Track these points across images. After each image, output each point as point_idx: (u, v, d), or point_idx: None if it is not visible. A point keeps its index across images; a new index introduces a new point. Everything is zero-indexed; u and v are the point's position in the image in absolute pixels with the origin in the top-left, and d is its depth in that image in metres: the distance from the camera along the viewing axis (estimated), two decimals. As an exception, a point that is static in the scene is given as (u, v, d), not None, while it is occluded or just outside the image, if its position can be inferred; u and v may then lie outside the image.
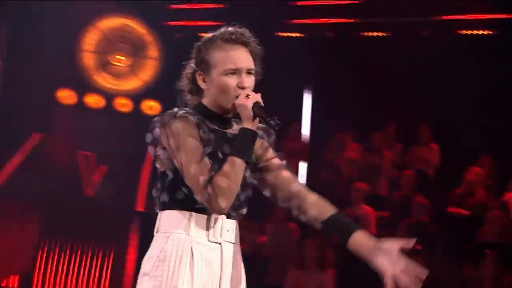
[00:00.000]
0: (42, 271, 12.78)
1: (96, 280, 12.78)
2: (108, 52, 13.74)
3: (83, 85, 13.70)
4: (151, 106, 13.73)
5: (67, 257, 12.78)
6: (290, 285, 9.58)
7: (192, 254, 2.68)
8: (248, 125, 2.56)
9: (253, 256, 9.94)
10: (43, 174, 12.88)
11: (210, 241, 2.71)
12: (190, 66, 2.87)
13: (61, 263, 12.84)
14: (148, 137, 2.81)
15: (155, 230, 2.82)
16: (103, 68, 13.68)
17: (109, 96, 13.63)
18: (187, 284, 2.68)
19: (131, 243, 12.74)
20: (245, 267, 3.12)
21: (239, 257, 2.90)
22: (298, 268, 9.72)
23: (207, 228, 2.71)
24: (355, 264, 8.48)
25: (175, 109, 2.69)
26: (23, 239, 12.73)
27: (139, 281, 2.73)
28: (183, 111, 2.68)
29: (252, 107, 2.52)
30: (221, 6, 13.41)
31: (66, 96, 13.50)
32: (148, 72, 13.69)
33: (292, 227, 10.41)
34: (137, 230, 13.12)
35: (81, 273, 12.70)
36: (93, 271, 12.93)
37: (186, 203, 2.65)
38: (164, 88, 13.36)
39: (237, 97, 2.60)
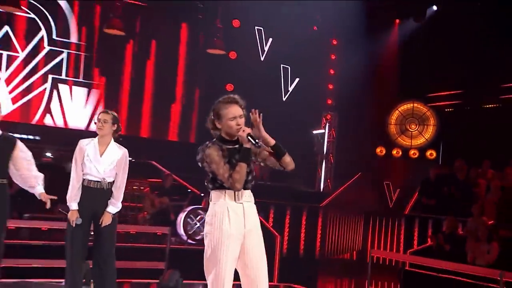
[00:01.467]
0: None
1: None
2: (404, 123, 18.53)
3: (390, 143, 18.60)
4: (431, 153, 18.12)
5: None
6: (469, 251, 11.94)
7: (228, 210, 4.54)
8: (246, 145, 4.40)
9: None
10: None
11: (236, 203, 4.55)
12: (210, 118, 4.63)
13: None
14: (197, 157, 4.72)
15: (209, 201, 4.77)
16: (401, 133, 18.53)
17: (404, 149, 18.37)
18: (227, 224, 4.54)
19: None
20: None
21: (254, 208, 4.74)
22: (475, 241, 12.03)
23: (234, 197, 4.53)
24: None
25: (207, 142, 4.64)
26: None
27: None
28: (210, 143, 4.57)
29: (246, 136, 4.36)
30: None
31: (380, 150, 18.54)
32: (429, 133, 18.24)
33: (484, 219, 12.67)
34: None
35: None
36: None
37: (220, 187, 4.52)
38: (440, 143, 18.33)
39: (238, 130, 4.45)
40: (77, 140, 6.93)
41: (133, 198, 13.98)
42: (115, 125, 7.06)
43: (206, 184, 4.81)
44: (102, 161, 7.04)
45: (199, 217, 12.72)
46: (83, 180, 7.03)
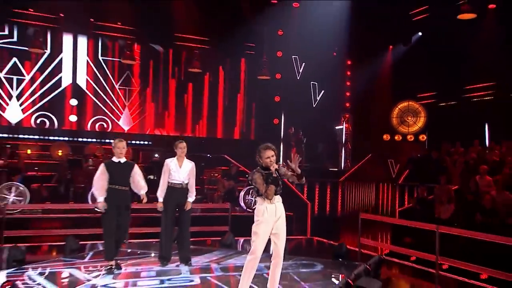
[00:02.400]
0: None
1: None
2: (403, 116, 18.88)
3: (393, 130, 18.96)
4: (423, 137, 18.44)
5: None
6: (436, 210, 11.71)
7: (266, 207, 5.44)
8: (274, 175, 5.30)
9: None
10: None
11: (270, 204, 5.45)
12: (256, 155, 5.46)
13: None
14: (248, 177, 5.64)
15: (256, 202, 5.64)
16: (401, 123, 18.89)
17: (403, 135, 18.73)
18: (264, 216, 5.42)
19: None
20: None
21: (281, 205, 5.55)
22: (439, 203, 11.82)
23: (270, 201, 5.42)
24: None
25: (254, 170, 5.49)
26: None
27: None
28: (256, 170, 5.44)
29: (274, 170, 5.30)
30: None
31: (385, 136, 18.86)
32: (421, 122, 18.63)
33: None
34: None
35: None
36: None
37: (261, 195, 5.39)
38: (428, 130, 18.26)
39: (271, 165, 5.35)
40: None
41: (210, 181, 14.73)
42: (186, 149, 7.59)
43: (254, 192, 5.87)
44: (181, 171, 7.70)
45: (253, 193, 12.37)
46: (169, 183, 7.61)
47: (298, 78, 18.71)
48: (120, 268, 7.38)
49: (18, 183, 11.47)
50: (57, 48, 16.46)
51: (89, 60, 16.86)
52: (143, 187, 7.52)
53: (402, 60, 18.65)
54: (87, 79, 16.84)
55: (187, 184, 7.59)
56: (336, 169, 18.40)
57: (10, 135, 15.63)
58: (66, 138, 16.07)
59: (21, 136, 15.71)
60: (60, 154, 14.89)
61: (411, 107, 18.91)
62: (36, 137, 15.86)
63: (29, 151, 14.86)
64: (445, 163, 14.81)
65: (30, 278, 6.97)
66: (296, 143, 17.56)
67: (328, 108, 18.76)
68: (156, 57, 17.81)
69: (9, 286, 5.91)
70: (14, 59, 15.90)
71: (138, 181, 7.39)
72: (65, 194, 12.77)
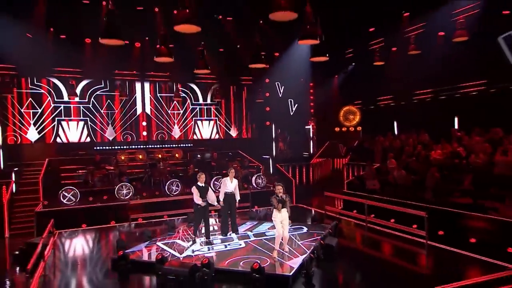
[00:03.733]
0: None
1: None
2: (348, 115, 19.02)
3: (340, 125, 18.69)
4: (359, 128, 18.38)
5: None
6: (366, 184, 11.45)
7: (277, 214, 6.53)
8: (280, 198, 6.21)
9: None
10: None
11: (279, 212, 6.51)
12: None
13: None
14: (270, 201, 6.42)
15: (273, 210, 6.41)
16: (345, 120, 19.11)
17: (348, 127, 18.79)
18: (278, 218, 6.54)
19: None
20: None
21: (285, 212, 6.44)
22: (367, 179, 11.50)
23: (279, 211, 6.41)
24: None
25: (273, 196, 6.45)
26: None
27: None
28: (274, 195, 6.37)
29: (280, 196, 6.22)
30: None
31: (337, 129, 18.41)
32: (357, 119, 18.87)
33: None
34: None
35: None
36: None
37: (275, 208, 6.34)
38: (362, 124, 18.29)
39: (279, 192, 6.21)
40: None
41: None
42: (234, 173, 8.10)
43: (272, 205, 6.59)
44: (231, 185, 8.26)
45: (260, 176, 13.53)
46: (225, 192, 8.15)
47: (280, 96, 18.48)
48: (212, 243, 7.86)
49: (126, 182, 12.04)
50: (132, 91, 16.92)
51: (151, 97, 17.33)
52: (215, 199, 8.10)
53: (343, 81, 18.87)
54: (151, 108, 17.33)
55: (234, 192, 8.28)
56: (308, 154, 18.26)
57: (110, 148, 16.11)
58: (142, 146, 16.70)
59: (116, 147, 16.17)
60: (140, 157, 15.49)
61: (351, 109, 19.13)
62: (125, 147, 16.35)
63: (122, 157, 15.18)
64: (372, 148, 15.01)
65: (160, 247, 7.79)
66: (283, 139, 18.01)
67: (300, 115, 18.67)
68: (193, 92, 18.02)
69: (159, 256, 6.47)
70: (108, 100, 16.51)
71: (211, 195, 8.00)
72: (148, 186, 13.07)
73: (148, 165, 14.22)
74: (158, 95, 17.54)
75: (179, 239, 8.44)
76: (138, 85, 17.12)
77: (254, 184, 13.28)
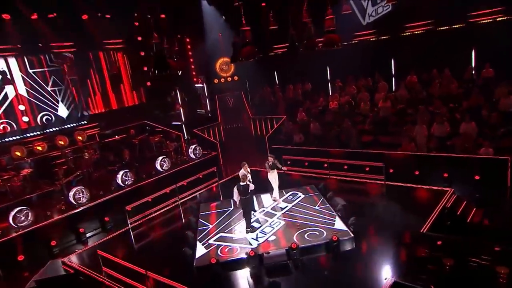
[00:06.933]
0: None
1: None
2: (222, 66, 18.61)
3: (213, 75, 18.41)
4: (235, 77, 18.37)
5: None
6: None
7: (271, 174, 8.05)
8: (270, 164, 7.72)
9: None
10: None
11: (271, 173, 8.05)
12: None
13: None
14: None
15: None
16: (220, 70, 18.67)
17: (225, 78, 18.39)
18: (272, 176, 8.08)
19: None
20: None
21: (276, 173, 7.93)
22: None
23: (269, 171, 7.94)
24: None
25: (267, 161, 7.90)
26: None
27: None
28: (266, 161, 7.84)
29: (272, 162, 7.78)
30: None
31: (215, 81, 18.47)
32: (231, 71, 18.52)
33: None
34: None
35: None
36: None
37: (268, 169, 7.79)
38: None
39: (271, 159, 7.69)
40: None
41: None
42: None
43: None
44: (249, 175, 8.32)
45: (197, 148, 13.20)
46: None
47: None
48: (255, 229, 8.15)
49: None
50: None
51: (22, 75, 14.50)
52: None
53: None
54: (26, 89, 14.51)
55: (249, 184, 8.19)
56: (204, 112, 17.99)
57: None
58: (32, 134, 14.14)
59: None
60: (40, 149, 13.36)
61: (225, 60, 18.64)
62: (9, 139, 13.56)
63: (18, 153, 12.64)
64: (270, 99, 15.86)
65: (223, 245, 7.71)
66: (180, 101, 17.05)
67: (187, 74, 17.47)
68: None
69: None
70: None
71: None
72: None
73: (72, 159, 12.86)
74: (31, 71, 14.75)
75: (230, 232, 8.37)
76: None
77: (192, 156, 13.23)
